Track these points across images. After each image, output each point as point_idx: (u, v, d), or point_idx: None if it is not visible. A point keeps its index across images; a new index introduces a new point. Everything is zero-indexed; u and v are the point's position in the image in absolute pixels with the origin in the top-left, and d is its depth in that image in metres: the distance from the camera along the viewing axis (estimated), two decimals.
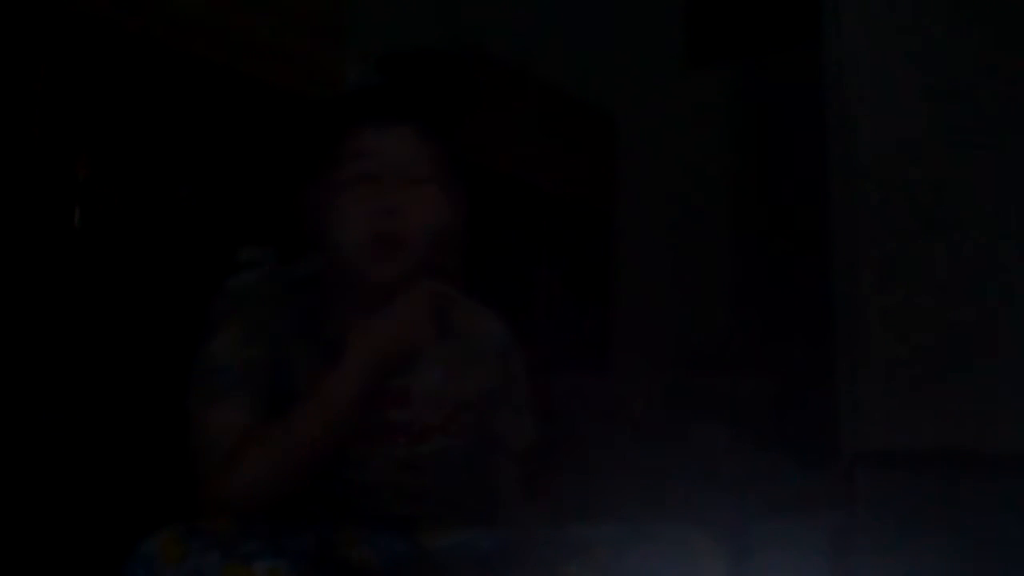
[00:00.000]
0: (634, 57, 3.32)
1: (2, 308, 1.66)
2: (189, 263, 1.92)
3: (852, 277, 2.18)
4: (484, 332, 1.36)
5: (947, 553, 1.90)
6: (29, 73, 1.72)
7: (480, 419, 1.31)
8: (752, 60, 3.10)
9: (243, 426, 1.13)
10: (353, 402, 1.15)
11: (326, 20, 2.33)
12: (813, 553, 2.01)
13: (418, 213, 1.22)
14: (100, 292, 1.80)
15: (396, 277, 1.21)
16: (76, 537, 1.63)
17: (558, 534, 1.12)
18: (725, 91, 3.16)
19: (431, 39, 2.94)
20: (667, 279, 3.21)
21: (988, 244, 2.06)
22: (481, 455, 1.34)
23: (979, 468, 2.00)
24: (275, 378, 1.20)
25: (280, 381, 1.20)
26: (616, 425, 2.57)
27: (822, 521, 2.04)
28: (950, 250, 2.09)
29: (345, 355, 1.16)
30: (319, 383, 1.15)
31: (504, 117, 2.95)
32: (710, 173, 3.17)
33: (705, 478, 2.29)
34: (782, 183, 2.99)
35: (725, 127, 3.15)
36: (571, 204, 3.22)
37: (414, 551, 1.18)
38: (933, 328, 2.09)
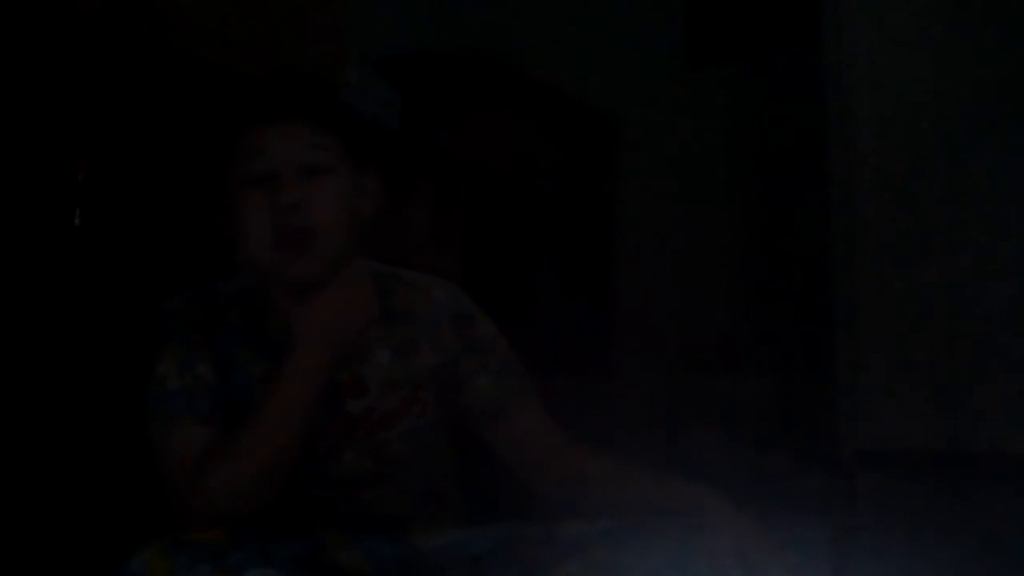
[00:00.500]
0: (634, 58, 3.32)
1: (2, 308, 1.66)
2: (189, 263, 1.92)
3: (852, 277, 2.18)
4: (431, 304, 1.31)
5: (947, 553, 1.90)
6: (29, 73, 1.73)
7: (443, 394, 1.29)
8: (752, 61, 3.10)
9: (204, 442, 1.13)
10: (310, 390, 1.13)
11: (326, 20, 2.33)
12: (813, 553, 2.00)
13: (321, 205, 1.18)
14: (100, 292, 1.80)
15: (315, 272, 1.18)
16: (71, 544, 1.63)
17: (554, 532, 1.11)
18: (725, 92, 3.16)
19: (431, 39, 2.94)
20: (667, 279, 3.21)
21: (988, 244, 2.06)
22: (449, 430, 1.32)
23: (979, 468, 2.00)
24: (230, 392, 1.19)
25: (236, 394, 1.19)
26: (616, 425, 2.57)
27: (822, 521, 2.03)
28: (950, 250, 2.09)
29: (292, 345, 1.15)
30: (273, 380, 1.14)
31: (504, 118, 2.95)
32: (710, 173, 3.17)
33: (705, 478, 2.28)
34: (782, 183, 2.99)
35: (725, 128, 3.15)
36: (571, 204, 3.22)
37: (405, 553, 1.17)
38: (933, 328, 2.09)
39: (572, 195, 3.21)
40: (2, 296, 1.66)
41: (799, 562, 1.10)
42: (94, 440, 1.72)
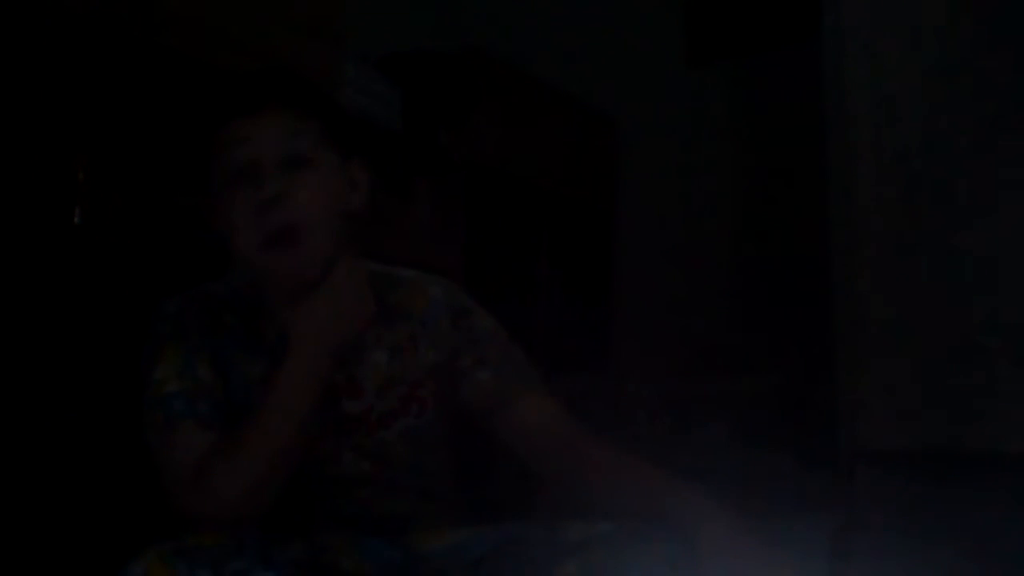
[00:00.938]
0: (635, 57, 3.32)
1: (2, 307, 1.66)
2: (189, 263, 1.92)
3: (852, 277, 2.18)
4: (428, 302, 1.31)
5: (947, 553, 1.90)
6: (29, 73, 1.72)
7: (444, 389, 1.28)
8: (752, 60, 3.10)
9: (207, 445, 1.11)
10: (310, 392, 1.12)
11: (326, 20, 2.33)
12: (813, 553, 2.00)
13: (304, 198, 1.16)
14: (100, 291, 1.80)
15: (305, 270, 1.17)
16: (72, 544, 1.63)
17: (553, 534, 1.11)
18: (725, 91, 3.16)
19: (431, 39, 2.94)
20: (668, 279, 3.21)
21: (988, 243, 2.06)
22: (449, 429, 1.31)
23: (979, 468, 2.00)
24: (229, 394, 1.18)
25: (235, 396, 1.19)
26: (616, 425, 2.57)
27: (822, 521, 2.03)
28: (950, 249, 2.09)
29: (290, 346, 1.13)
30: (272, 380, 1.12)
31: (504, 117, 2.95)
32: (710, 173, 3.17)
33: (705, 478, 2.28)
34: (782, 182, 3.00)
35: (725, 127, 3.15)
36: (572, 204, 3.22)
37: (406, 556, 1.17)
38: (933, 328, 2.08)
39: (572, 195, 3.21)
40: (2, 296, 1.66)
41: (791, 566, 1.09)
42: (94, 439, 1.72)
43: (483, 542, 1.15)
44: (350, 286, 1.19)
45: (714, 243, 3.14)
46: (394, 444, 1.24)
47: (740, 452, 2.40)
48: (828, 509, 2.07)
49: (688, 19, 3.25)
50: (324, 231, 1.18)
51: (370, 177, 1.28)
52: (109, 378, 1.76)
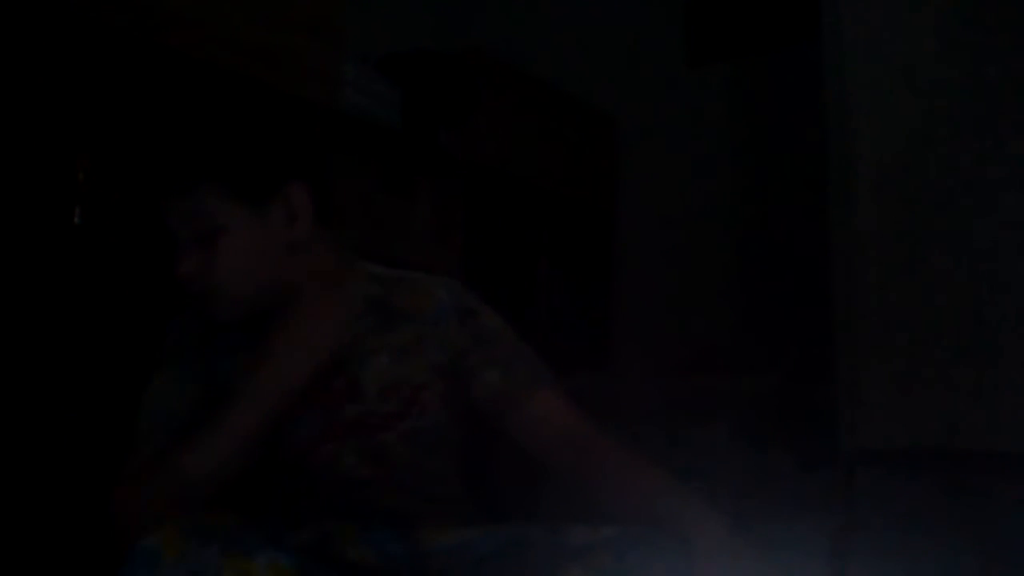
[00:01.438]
0: (635, 57, 3.32)
1: (1, 307, 1.66)
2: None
3: (852, 276, 2.18)
4: (435, 303, 1.32)
5: (947, 553, 1.90)
6: (29, 73, 1.72)
7: (452, 390, 1.29)
8: (752, 59, 3.10)
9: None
10: (255, 413, 1.15)
11: (325, 20, 2.33)
12: (813, 553, 2.00)
13: (220, 268, 1.21)
14: (100, 291, 1.80)
15: (237, 317, 1.23)
16: (75, 535, 1.63)
17: (558, 536, 1.11)
18: (725, 91, 3.16)
19: (431, 39, 2.94)
20: (667, 279, 3.20)
21: (988, 243, 2.06)
22: (455, 430, 1.32)
23: (979, 468, 2.00)
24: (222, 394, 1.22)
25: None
26: (616, 425, 2.57)
27: (822, 521, 2.03)
28: (950, 250, 2.09)
29: (238, 388, 1.17)
30: (221, 404, 1.16)
31: (504, 117, 2.95)
32: (710, 173, 3.17)
33: (705, 478, 2.28)
34: (782, 182, 2.99)
35: (725, 127, 3.15)
36: (571, 204, 3.22)
37: (411, 552, 1.18)
38: (933, 328, 2.09)
39: (572, 195, 3.21)
40: (2, 296, 1.66)
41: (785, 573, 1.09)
42: (94, 437, 1.72)
43: (487, 542, 1.15)
44: (326, 315, 1.22)
45: (714, 243, 3.14)
46: (396, 446, 1.24)
47: (740, 452, 2.40)
48: (828, 509, 2.07)
49: (688, 19, 3.25)
50: (244, 287, 1.22)
51: (310, 196, 1.27)
52: (109, 378, 1.76)
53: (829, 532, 2.02)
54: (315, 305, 1.22)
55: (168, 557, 0.96)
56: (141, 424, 1.23)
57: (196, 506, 1.12)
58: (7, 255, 1.67)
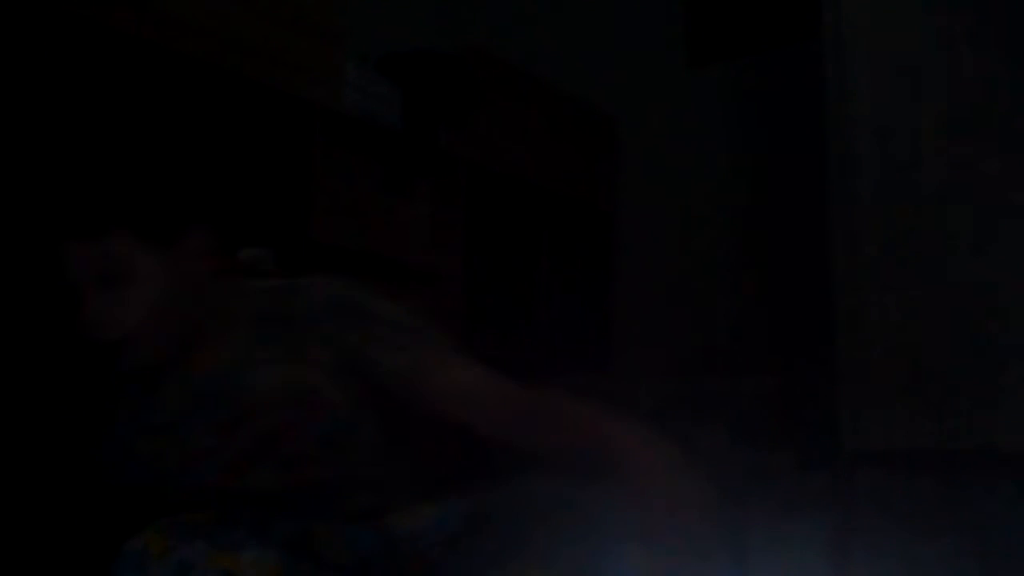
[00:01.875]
0: (635, 57, 3.32)
1: (2, 307, 1.66)
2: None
3: (852, 276, 2.18)
4: (311, 305, 1.29)
5: (947, 553, 1.90)
6: (30, 73, 1.72)
7: (360, 384, 1.26)
8: (753, 59, 3.10)
9: None
10: None
11: (326, 20, 2.33)
12: (813, 553, 2.01)
13: (124, 315, 1.20)
14: None
15: (148, 359, 1.23)
16: (65, 538, 1.63)
17: (521, 503, 1.11)
18: (726, 91, 3.16)
19: (431, 39, 2.94)
20: (668, 279, 3.21)
21: (989, 243, 2.06)
22: (364, 416, 1.29)
23: (979, 468, 2.00)
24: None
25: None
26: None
27: (822, 521, 2.04)
28: (950, 250, 2.09)
29: None
30: None
31: (504, 117, 2.95)
32: (710, 173, 3.17)
33: (705, 478, 2.28)
34: (782, 182, 2.99)
35: (725, 127, 3.15)
36: (572, 204, 3.22)
37: (384, 541, 1.17)
38: (933, 328, 2.09)
39: (572, 195, 3.21)
40: (2, 296, 1.66)
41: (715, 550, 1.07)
42: (94, 437, 1.72)
43: (453, 519, 1.14)
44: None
45: (714, 243, 3.14)
46: (312, 451, 1.23)
47: (740, 452, 2.40)
48: (828, 509, 2.07)
49: (688, 19, 3.25)
50: (152, 330, 1.21)
51: (211, 236, 1.28)
52: (109, 377, 1.75)
53: (829, 532, 2.02)
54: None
55: (154, 555, 0.96)
56: None
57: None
58: (7, 254, 1.67)
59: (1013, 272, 2.03)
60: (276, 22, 2.19)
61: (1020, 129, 2.05)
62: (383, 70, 2.61)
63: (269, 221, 2.28)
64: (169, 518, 1.01)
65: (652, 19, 3.32)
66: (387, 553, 1.16)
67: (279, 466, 1.22)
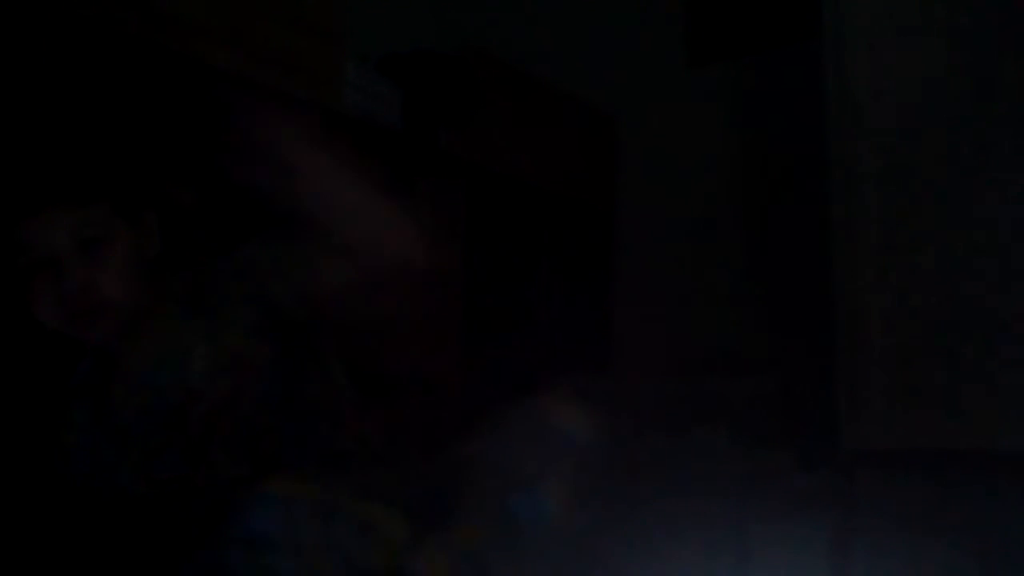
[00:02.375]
0: (635, 57, 3.32)
1: (2, 307, 1.66)
2: (189, 261, 1.92)
3: (852, 276, 2.18)
4: (218, 276, 1.34)
5: (947, 553, 1.90)
6: (29, 73, 1.72)
7: (271, 342, 1.28)
8: (753, 59, 3.10)
9: None
10: None
11: (326, 20, 2.33)
12: (813, 553, 2.01)
13: (108, 280, 1.23)
14: None
15: (112, 335, 1.26)
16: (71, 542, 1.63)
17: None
18: (726, 90, 3.16)
19: (431, 39, 2.94)
20: (668, 279, 3.20)
21: (989, 243, 2.06)
22: (293, 367, 1.32)
23: (979, 468, 2.00)
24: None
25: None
26: (616, 425, 2.57)
27: (822, 521, 2.04)
28: (950, 249, 2.09)
29: None
30: None
31: (505, 117, 2.95)
32: (710, 173, 3.17)
33: (705, 478, 2.29)
34: (782, 182, 2.99)
35: (726, 126, 3.15)
36: (572, 204, 3.22)
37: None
38: (933, 328, 2.09)
39: (572, 195, 3.21)
40: (2, 295, 1.66)
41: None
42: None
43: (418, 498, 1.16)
44: None
45: (714, 243, 3.14)
46: (260, 418, 1.26)
47: (740, 452, 2.40)
48: (828, 509, 2.07)
49: (689, 19, 3.25)
50: (130, 299, 1.25)
51: (155, 217, 1.34)
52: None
53: (829, 532, 2.02)
54: None
55: (293, 497, 0.97)
56: None
57: None
58: (7, 255, 1.67)
59: (1013, 273, 2.03)
60: (276, 22, 2.19)
61: (1020, 130, 2.05)
62: (383, 70, 2.61)
63: (268, 220, 2.27)
64: (276, 476, 1.03)
65: (652, 19, 3.32)
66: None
67: (236, 444, 1.23)
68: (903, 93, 2.18)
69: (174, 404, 1.24)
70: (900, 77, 2.18)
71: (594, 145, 3.30)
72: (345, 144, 2.55)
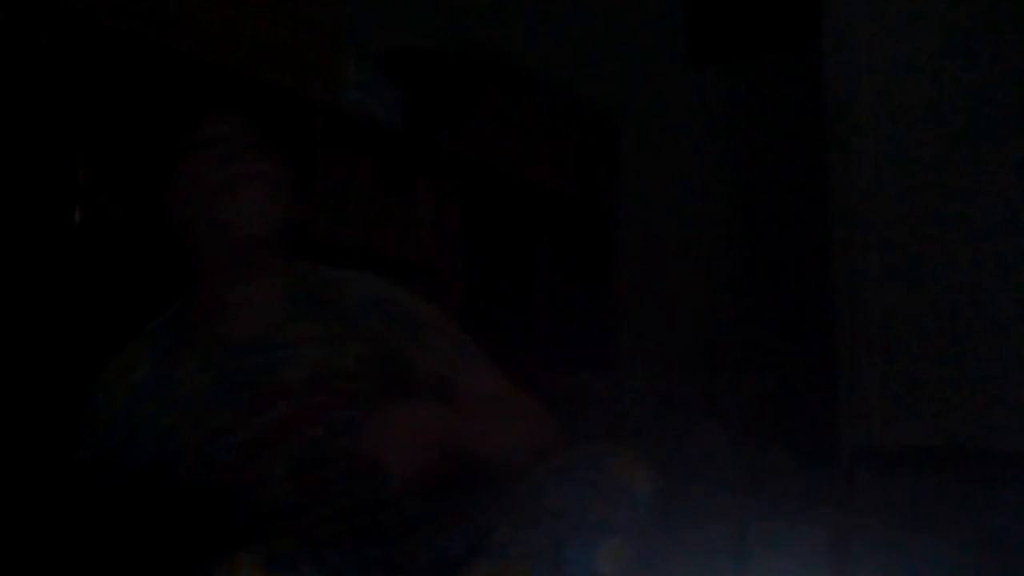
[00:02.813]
0: (635, 56, 3.32)
1: (2, 306, 1.66)
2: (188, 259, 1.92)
3: (852, 277, 2.18)
4: (357, 296, 1.32)
5: (947, 553, 1.90)
6: (29, 72, 1.73)
7: (390, 379, 1.26)
8: (753, 58, 3.10)
9: None
10: None
11: (326, 20, 2.33)
12: (813, 553, 2.00)
13: (252, 190, 1.24)
14: (100, 290, 1.80)
15: (257, 234, 1.24)
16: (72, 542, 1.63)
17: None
18: (726, 90, 3.16)
19: (431, 39, 2.94)
20: (668, 278, 3.20)
21: (988, 243, 2.06)
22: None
23: (979, 468, 2.00)
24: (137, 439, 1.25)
25: (142, 438, 1.25)
26: (616, 425, 2.57)
27: (822, 521, 2.03)
28: (950, 249, 2.09)
29: None
30: None
31: (505, 116, 2.95)
32: (711, 172, 3.17)
33: (705, 478, 2.28)
34: (783, 182, 2.99)
35: (726, 126, 3.15)
36: (572, 204, 3.22)
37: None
38: (933, 328, 2.09)
39: (572, 195, 3.21)
40: (2, 295, 1.66)
41: None
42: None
43: (458, 544, 1.13)
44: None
45: (714, 243, 3.14)
46: (326, 438, 1.21)
47: (740, 451, 2.40)
48: (828, 509, 2.07)
49: (689, 19, 3.25)
50: (277, 216, 1.25)
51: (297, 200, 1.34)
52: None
53: (829, 532, 2.02)
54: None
55: None
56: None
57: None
58: (7, 255, 1.67)
59: (1013, 272, 2.03)
60: (277, 21, 2.19)
61: (1020, 131, 2.05)
62: (383, 70, 2.61)
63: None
64: (249, 551, 0.98)
65: (652, 19, 3.32)
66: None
67: (290, 460, 1.20)
68: (903, 93, 2.17)
69: (252, 394, 1.21)
70: (900, 77, 2.18)
71: (594, 145, 3.30)
72: (345, 144, 2.55)
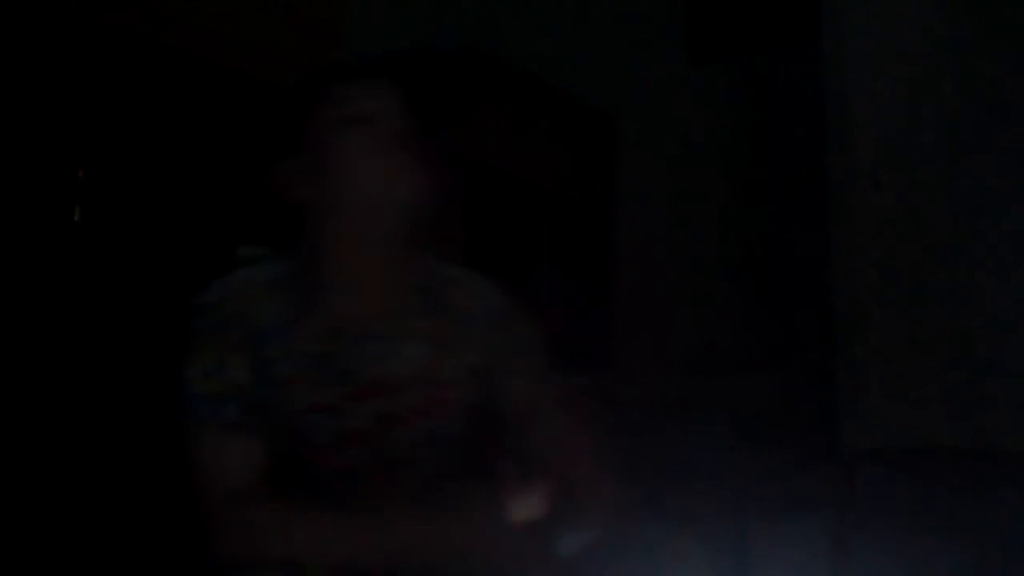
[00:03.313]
0: (635, 56, 3.32)
1: (2, 305, 1.66)
2: (188, 261, 1.92)
3: (852, 277, 2.18)
4: (475, 303, 1.30)
5: (947, 553, 1.90)
6: (29, 73, 1.72)
7: (479, 391, 1.26)
8: (753, 59, 3.10)
9: (234, 449, 1.12)
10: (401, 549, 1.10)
11: (325, 20, 2.33)
12: (813, 552, 2.00)
13: (418, 171, 1.24)
14: (100, 288, 1.80)
15: (419, 204, 1.24)
16: (76, 540, 1.63)
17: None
18: (726, 90, 3.16)
19: (431, 39, 2.94)
20: (668, 279, 3.20)
21: (988, 243, 2.06)
22: (476, 433, 1.30)
23: (979, 468, 2.00)
24: (264, 391, 1.16)
25: (270, 393, 1.16)
26: (616, 425, 2.57)
27: (822, 521, 2.03)
28: (950, 250, 2.09)
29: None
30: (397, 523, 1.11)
31: (505, 116, 2.95)
32: (710, 172, 3.17)
33: (705, 477, 2.28)
34: (782, 182, 3.00)
35: (726, 126, 3.16)
36: (572, 203, 3.22)
37: None
38: (933, 328, 2.09)
39: (572, 195, 3.21)
40: (2, 294, 1.66)
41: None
42: (93, 434, 1.72)
43: None
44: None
45: (714, 243, 3.14)
46: (417, 446, 1.21)
47: (740, 451, 2.40)
48: (828, 509, 2.07)
49: (689, 19, 3.25)
50: (413, 183, 1.25)
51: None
52: (108, 376, 1.76)
53: (829, 531, 2.02)
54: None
55: None
56: (186, 417, 1.14)
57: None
58: (7, 254, 1.67)
59: (1013, 272, 2.03)
60: (276, 21, 2.19)
61: (1020, 132, 2.05)
62: (383, 69, 2.61)
63: (268, 218, 2.27)
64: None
65: (652, 18, 3.32)
66: None
67: (379, 457, 1.19)
68: (902, 93, 2.18)
69: (357, 384, 1.18)
70: (899, 77, 2.18)
71: (594, 144, 3.30)
72: None
